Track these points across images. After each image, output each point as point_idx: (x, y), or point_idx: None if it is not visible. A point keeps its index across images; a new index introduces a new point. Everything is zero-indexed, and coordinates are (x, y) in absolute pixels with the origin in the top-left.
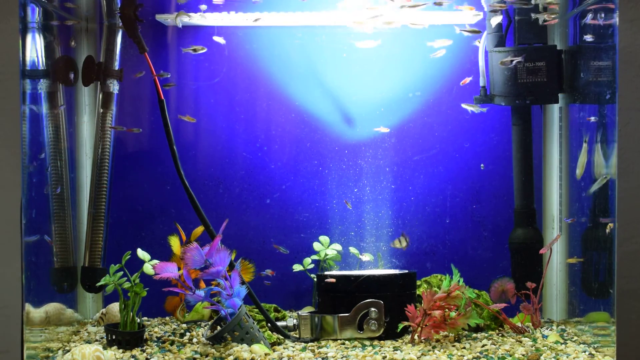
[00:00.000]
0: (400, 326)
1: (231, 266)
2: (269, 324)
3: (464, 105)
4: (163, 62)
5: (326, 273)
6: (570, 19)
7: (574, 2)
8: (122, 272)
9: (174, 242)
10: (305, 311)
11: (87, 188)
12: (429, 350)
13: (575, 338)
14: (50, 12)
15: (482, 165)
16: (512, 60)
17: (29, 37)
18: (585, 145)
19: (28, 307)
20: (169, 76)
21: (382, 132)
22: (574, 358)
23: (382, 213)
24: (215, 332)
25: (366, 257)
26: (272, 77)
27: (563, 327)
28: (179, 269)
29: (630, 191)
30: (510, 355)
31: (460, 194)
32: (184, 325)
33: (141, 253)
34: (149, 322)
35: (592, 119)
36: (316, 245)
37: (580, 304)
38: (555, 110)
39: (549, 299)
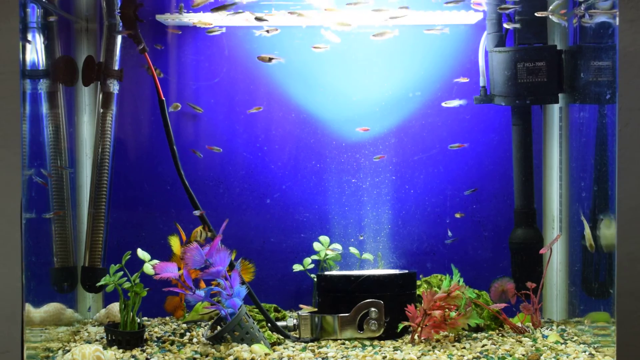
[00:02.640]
0: (400, 326)
1: (231, 266)
2: (269, 324)
3: None
4: (163, 62)
5: (326, 273)
6: (570, 19)
7: (574, 2)
8: (122, 272)
9: (174, 242)
10: (305, 311)
11: (87, 188)
12: (429, 350)
13: (575, 338)
14: (50, 12)
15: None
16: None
17: (28, 37)
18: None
19: (28, 307)
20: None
21: (362, 131)
22: (574, 358)
23: (382, 213)
24: (216, 332)
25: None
26: (272, 77)
27: (563, 327)
28: (179, 269)
29: (630, 191)
30: (510, 355)
31: (460, 194)
32: (184, 325)
33: (141, 253)
34: (149, 322)
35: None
36: (316, 245)
37: (580, 304)
38: (555, 110)
39: (549, 299)
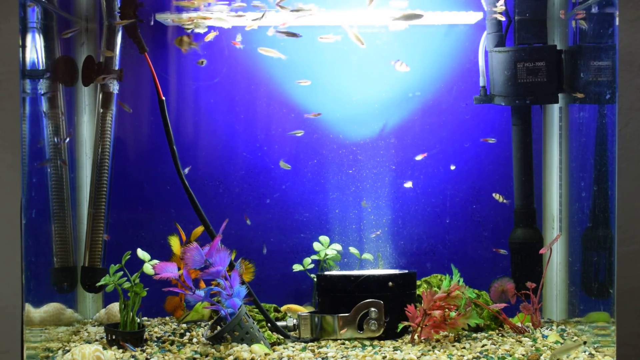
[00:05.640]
0: (400, 326)
1: (231, 266)
2: (269, 324)
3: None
4: (163, 62)
5: (326, 273)
6: (570, 19)
7: (574, 2)
8: (122, 272)
9: (174, 242)
10: (305, 311)
11: (87, 188)
12: (429, 350)
13: (576, 338)
14: (50, 12)
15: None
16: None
17: (28, 37)
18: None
19: (28, 307)
20: None
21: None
22: (574, 358)
23: (382, 213)
24: (215, 332)
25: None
26: (272, 76)
27: (563, 327)
28: (179, 269)
29: (630, 191)
30: (510, 355)
31: (460, 194)
32: (184, 325)
33: (141, 253)
34: (149, 322)
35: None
36: (316, 245)
37: (580, 304)
38: (555, 110)
39: (549, 299)
